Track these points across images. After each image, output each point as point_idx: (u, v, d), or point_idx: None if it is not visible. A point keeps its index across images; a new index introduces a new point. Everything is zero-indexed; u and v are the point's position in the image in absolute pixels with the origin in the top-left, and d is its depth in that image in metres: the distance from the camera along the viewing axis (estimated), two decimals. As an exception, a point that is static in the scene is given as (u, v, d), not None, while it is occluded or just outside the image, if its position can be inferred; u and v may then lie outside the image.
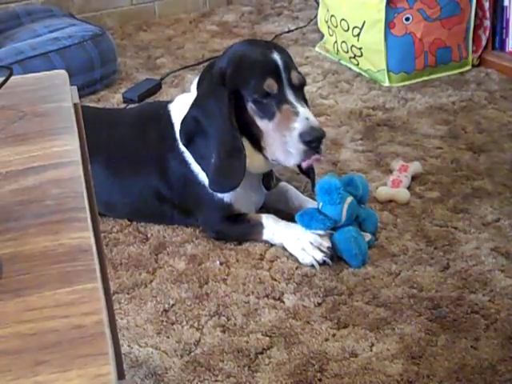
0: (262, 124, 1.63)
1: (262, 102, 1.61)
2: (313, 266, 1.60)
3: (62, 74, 1.00)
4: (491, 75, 2.57)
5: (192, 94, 1.74)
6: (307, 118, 1.59)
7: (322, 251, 1.60)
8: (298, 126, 1.58)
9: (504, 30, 2.60)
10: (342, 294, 1.53)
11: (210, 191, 1.70)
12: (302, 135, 1.57)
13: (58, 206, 0.69)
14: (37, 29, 2.76)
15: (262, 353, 1.38)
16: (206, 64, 2.76)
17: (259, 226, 1.70)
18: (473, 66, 2.65)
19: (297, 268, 1.61)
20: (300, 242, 1.63)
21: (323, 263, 1.60)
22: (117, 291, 1.57)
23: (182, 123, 1.67)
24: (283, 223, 1.69)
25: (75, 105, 0.92)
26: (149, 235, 1.78)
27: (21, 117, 0.88)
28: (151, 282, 1.61)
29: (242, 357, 1.37)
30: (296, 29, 3.20)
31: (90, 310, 0.56)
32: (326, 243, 1.61)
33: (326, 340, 1.40)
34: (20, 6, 3.16)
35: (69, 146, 0.80)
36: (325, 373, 1.32)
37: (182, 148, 1.72)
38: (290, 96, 1.62)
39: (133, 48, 3.11)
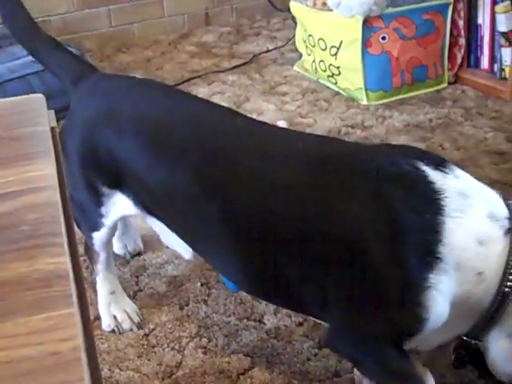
0: None
1: None
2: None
3: (39, 97, 0.99)
4: (467, 92, 2.61)
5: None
6: None
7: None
8: None
9: (478, 48, 2.64)
10: (323, 312, 1.53)
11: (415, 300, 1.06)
12: None
13: (34, 231, 0.69)
14: (15, 52, 2.75)
15: (243, 373, 1.38)
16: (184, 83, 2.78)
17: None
18: (449, 83, 2.69)
19: (278, 287, 1.61)
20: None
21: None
22: (98, 317, 1.56)
23: None
24: None
25: (52, 129, 0.92)
26: (128, 258, 1.78)
27: (-4, 142, 0.88)
28: (132, 304, 1.60)
29: (223, 378, 1.37)
30: (274, 48, 3.22)
31: (66, 336, 0.55)
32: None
33: (308, 359, 1.40)
34: (-2, 29, 3.15)
35: (45, 171, 0.80)
36: (307, 392, 1.32)
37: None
38: None
39: (112, 70, 3.11)
